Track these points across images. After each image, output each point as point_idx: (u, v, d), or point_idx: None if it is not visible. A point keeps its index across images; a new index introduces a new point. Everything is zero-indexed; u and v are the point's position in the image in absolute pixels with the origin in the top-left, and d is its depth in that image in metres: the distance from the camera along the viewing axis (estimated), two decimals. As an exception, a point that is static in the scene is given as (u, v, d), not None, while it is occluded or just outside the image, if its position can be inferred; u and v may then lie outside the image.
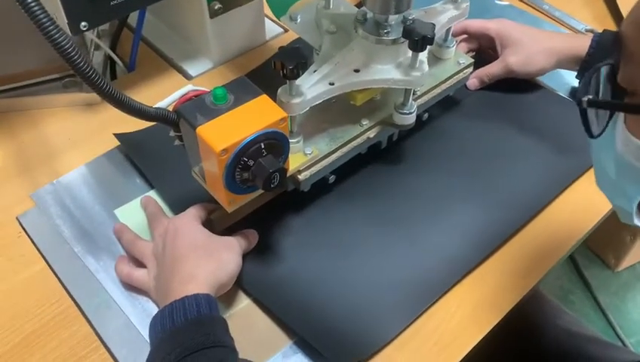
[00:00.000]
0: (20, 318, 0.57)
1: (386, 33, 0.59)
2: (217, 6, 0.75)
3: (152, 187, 0.67)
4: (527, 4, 0.95)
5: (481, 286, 0.60)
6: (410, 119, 0.63)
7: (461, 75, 0.71)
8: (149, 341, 0.51)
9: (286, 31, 0.88)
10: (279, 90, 0.55)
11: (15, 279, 0.60)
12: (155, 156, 0.69)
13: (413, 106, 0.63)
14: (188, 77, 0.81)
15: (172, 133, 0.55)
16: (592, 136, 0.41)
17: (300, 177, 0.60)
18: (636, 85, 0.38)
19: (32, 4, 0.42)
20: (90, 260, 0.61)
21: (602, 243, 1.49)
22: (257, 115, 0.51)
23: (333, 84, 0.58)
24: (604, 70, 0.40)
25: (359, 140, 0.63)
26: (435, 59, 0.71)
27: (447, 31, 0.69)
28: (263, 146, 0.50)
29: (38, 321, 0.57)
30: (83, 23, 0.62)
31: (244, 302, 0.58)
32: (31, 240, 0.63)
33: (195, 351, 0.47)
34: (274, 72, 0.53)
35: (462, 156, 0.71)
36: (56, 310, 0.58)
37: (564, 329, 0.78)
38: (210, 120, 0.50)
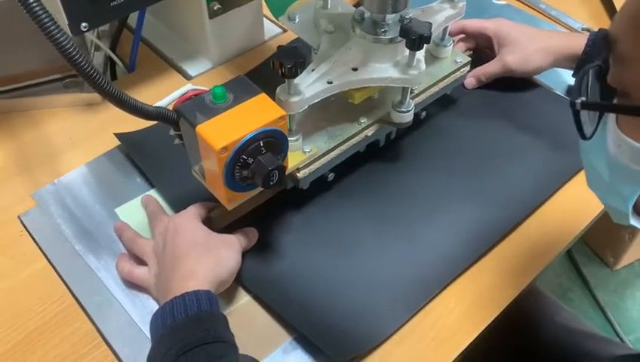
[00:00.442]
0: (23, 316, 0.57)
1: (383, 32, 0.59)
2: (216, 6, 0.76)
3: (152, 186, 0.68)
4: (524, 3, 0.96)
5: (478, 284, 0.61)
6: (408, 117, 0.64)
7: (458, 74, 0.72)
8: (150, 337, 0.51)
9: (285, 31, 0.88)
10: (278, 89, 0.56)
11: (17, 277, 0.60)
12: (156, 155, 0.69)
13: (411, 105, 0.64)
14: (187, 77, 0.82)
15: (172, 132, 0.55)
16: (584, 137, 0.41)
17: (299, 175, 0.61)
18: (626, 85, 0.38)
19: (34, 4, 0.43)
20: (91, 258, 0.61)
21: (601, 241, 1.50)
22: (256, 114, 0.51)
23: (331, 82, 0.58)
24: (591, 71, 0.40)
25: (357, 138, 0.64)
26: (432, 58, 0.71)
27: (444, 30, 0.70)
28: (262, 144, 0.51)
29: (40, 319, 0.57)
30: (83, 24, 0.63)
31: (244, 299, 0.59)
32: (32, 238, 0.63)
33: (196, 346, 0.47)
34: (273, 71, 0.54)
35: (459, 154, 0.71)
36: (58, 308, 0.58)
37: (562, 325, 0.79)
38: (209, 118, 0.50)
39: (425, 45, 0.57)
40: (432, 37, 0.67)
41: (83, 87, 0.77)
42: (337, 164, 0.64)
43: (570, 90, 0.80)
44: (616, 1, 0.92)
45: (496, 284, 0.61)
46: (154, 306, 0.58)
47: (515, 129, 0.74)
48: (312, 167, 0.61)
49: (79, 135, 0.74)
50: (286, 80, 0.54)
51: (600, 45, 0.39)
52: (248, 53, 0.85)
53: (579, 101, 0.38)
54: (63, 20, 0.61)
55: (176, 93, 0.78)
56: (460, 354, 0.56)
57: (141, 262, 0.60)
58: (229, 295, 0.58)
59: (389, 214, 0.65)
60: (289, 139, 0.56)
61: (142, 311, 0.58)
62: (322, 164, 0.62)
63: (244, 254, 0.59)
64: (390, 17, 0.60)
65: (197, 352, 0.47)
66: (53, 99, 0.77)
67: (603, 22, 0.92)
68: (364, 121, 0.64)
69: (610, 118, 0.40)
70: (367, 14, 0.61)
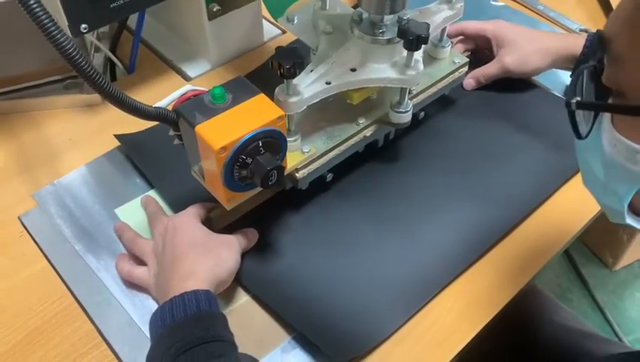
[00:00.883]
0: (23, 316, 0.58)
1: (381, 33, 0.60)
2: (216, 8, 0.76)
3: (152, 186, 0.68)
4: (522, 4, 0.96)
5: (476, 284, 0.61)
6: (406, 118, 0.64)
7: (456, 75, 0.72)
8: (149, 336, 0.52)
9: (284, 32, 0.89)
10: (277, 90, 0.56)
11: (17, 277, 0.61)
12: (155, 156, 0.70)
13: (409, 105, 0.64)
14: (187, 78, 0.82)
15: (171, 133, 0.56)
16: (580, 137, 0.41)
17: (298, 175, 0.61)
18: (621, 85, 0.38)
19: (34, 5, 0.43)
20: (91, 258, 0.62)
21: (600, 242, 1.50)
22: (255, 114, 0.52)
23: (329, 83, 0.59)
24: (586, 71, 0.40)
25: (356, 139, 0.64)
26: (430, 59, 0.72)
27: (443, 31, 0.70)
28: (260, 144, 0.51)
29: (40, 318, 0.58)
30: (83, 25, 0.63)
31: (243, 299, 0.59)
32: (33, 239, 0.64)
33: (195, 345, 0.47)
34: (272, 72, 0.54)
35: (458, 154, 0.72)
36: (58, 307, 0.58)
37: (561, 325, 0.79)
38: (208, 119, 0.51)
39: (423, 46, 0.57)
40: (430, 38, 0.67)
41: (83, 88, 0.77)
42: (336, 165, 0.65)
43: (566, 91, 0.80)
44: (614, 2, 0.92)
45: (494, 284, 0.61)
46: (153, 306, 0.58)
47: (513, 129, 0.74)
48: (311, 168, 0.62)
49: (79, 136, 0.74)
50: (285, 80, 0.55)
51: (595, 45, 0.39)
52: (248, 55, 0.85)
53: (574, 101, 0.39)
54: (63, 22, 0.61)
55: (176, 94, 0.77)
56: (458, 353, 0.57)
57: (141, 262, 0.60)
58: (228, 294, 0.59)
59: (387, 214, 0.65)
60: (288, 139, 0.56)
61: (141, 310, 0.58)
62: (321, 164, 0.62)
63: (244, 254, 0.60)
64: (388, 18, 0.60)
65: (196, 351, 0.47)
66: (54, 100, 0.77)
67: (601, 23, 0.93)
68: (362, 121, 0.64)
69: (606, 117, 0.40)
70: (365, 15, 0.61)
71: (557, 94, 0.80)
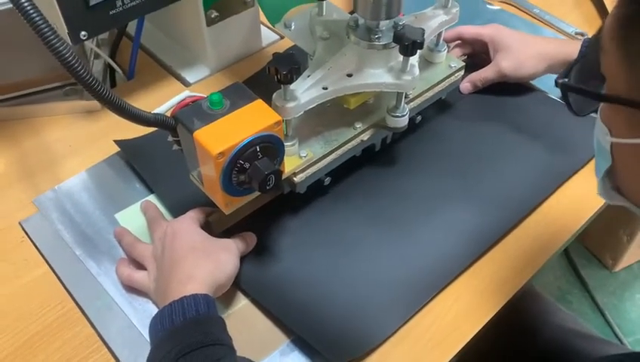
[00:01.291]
0: (24, 320, 0.58)
1: (377, 38, 0.60)
2: (214, 14, 0.77)
3: (151, 191, 0.69)
4: (518, 8, 0.97)
5: (474, 285, 0.61)
6: (403, 122, 0.65)
7: (453, 78, 0.73)
8: (149, 340, 0.52)
9: (282, 38, 0.89)
10: (274, 95, 0.57)
11: (18, 283, 0.61)
12: (154, 161, 0.70)
13: (406, 109, 0.65)
14: (186, 84, 0.83)
15: (170, 138, 0.56)
16: (576, 114, 0.47)
17: (296, 179, 0.61)
18: (605, 74, 0.41)
19: (34, 14, 0.44)
20: (91, 263, 0.62)
21: (599, 243, 1.50)
22: (253, 119, 0.52)
23: (326, 88, 0.59)
24: (584, 59, 0.45)
25: (353, 143, 0.65)
26: (426, 64, 0.72)
27: (439, 35, 0.70)
28: (258, 149, 0.52)
29: (41, 323, 0.58)
30: (83, 33, 0.64)
31: (242, 302, 0.60)
32: (34, 244, 0.64)
33: (194, 349, 0.48)
34: (271, 77, 0.54)
35: (455, 157, 0.72)
36: (59, 312, 0.59)
37: (559, 326, 0.79)
38: (206, 124, 0.51)
39: (418, 50, 0.58)
40: (426, 42, 0.68)
41: (83, 94, 0.78)
42: (334, 168, 0.65)
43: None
44: (609, 6, 0.93)
45: (492, 284, 0.61)
46: (154, 310, 0.58)
47: (510, 132, 0.75)
48: (309, 172, 0.62)
49: (79, 142, 0.75)
50: (282, 86, 0.55)
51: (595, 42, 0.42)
52: (246, 60, 0.86)
53: (560, 81, 0.44)
54: (62, 29, 0.62)
55: (174, 100, 0.79)
56: (457, 353, 0.57)
57: (141, 266, 0.60)
58: (227, 298, 0.59)
59: (386, 217, 0.66)
60: (285, 144, 0.56)
61: (141, 314, 0.58)
62: (319, 168, 0.63)
63: (242, 258, 0.60)
64: (384, 24, 0.61)
65: (195, 355, 0.48)
66: (54, 107, 0.78)
67: (596, 26, 0.92)
68: (359, 125, 0.64)
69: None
70: (361, 21, 0.62)
71: (554, 97, 0.80)
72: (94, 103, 0.77)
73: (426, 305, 0.60)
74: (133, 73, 0.83)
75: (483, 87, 0.79)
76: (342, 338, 0.56)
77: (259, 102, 0.54)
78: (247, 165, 0.52)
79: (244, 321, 0.58)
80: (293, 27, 0.70)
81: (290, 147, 0.59)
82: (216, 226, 0.63)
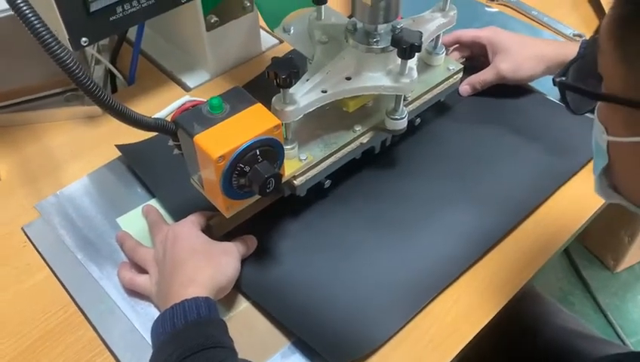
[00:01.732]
0: (27, 325, 0.59)
1: (375, 42, 0.61)
2: (214, 19, 0.77)
3: (152, 196, 0.69)
4: (516, 10, 0.97)
5: (474, 286, 0.62)
6: (402, 124, 0.65)
7: (451, 81, 0.73)
8: (151, 344, 0.52)
9: (281, 42, 0.90)
10: (273, 99, 0.57)
11: (21, 287, 0.62)
12: (156, 166, 0.71)
13: (405, 112, 0.65)
14: (186, 88, 0.83)
15: (171, 143, 0.57)
16: (573, 112, 0.48)
17: (296, 182, 0.62)
18: (602, 74, 0.41)
19: (35, 20, 0.44)
20: (93, 268, 0.63)
21: (601, 244, 1.50)
22: (252, 123, 0.53)
23: (325, 91, 0.60)
24: (582, 60, 0.45)
25: (353, 146, 0.65)
26: (425, 66, 0.72)
27: (437, 38, 0.71)
28: (258, 153, 0.52)
29: (44, 327, 0.58)
30: (83, 39, 0.64)
31: (243, 305, 0.60)
32: (36, 249, 0.65)
33: (196, 351, 0.48)
34: (271, 81, 0.55)
35: (454, 159, 0.72)
36: (62, 316, 0.59)
37: (560, 327, 0.80)
38: (207, 128, 0.52)
39: (417, 54, 0.58)
40: (425, 45, 0.69)
41: (84, 100, 0.78)
42: (334, 171, 0.66)
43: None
44: (607, 7, 0.93)
45: (491, 287, 0.62)
46: (155, 313, 0.59)
47: (509, 134, 0.75)
48: (309, 175, 0.63)
49: (81, 147, 0.75)
50: (281, 90, 0.56)
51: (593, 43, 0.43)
52: (246, 65, 0.86)
53: (558, 80, 0.45)
54: (63, 35, 0.63)
55: (175, 105, 0.78)
56: (457, 355, 0.57)
57: (142, 270, 0.61)
58: (228, 301, 0.60)
59: (385, 219, 0.66)
60: (285, 147, 0.57)
61: (143, 318, 0.59)
62: (318, 171, 0.63)
63: (243, 261, 0.60)
64: (382, 27, 0.61)
65: (197, 357, 0.48)
66: (55, 113, 0.78)
67: (594, 28, 0.93)
68: (358, 128, 0.65)
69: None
70: (359, 25, 0.62)
71: (553, 99, 0.81)
72: (95, 109, 0.78)
73: (426, 306, 0.60)
74: (134, 78, 0.83)
75: (482, 89, 0.79)
76: (342, 340, 0.56)
77: (258, 106, 0.54)
78: (247, 169, 0.52)
79: (246, 324, 0.59)
80: (292, 31, 0.71)
81: (289, 150, 0.60)
82: (217, 229, 0.64)
